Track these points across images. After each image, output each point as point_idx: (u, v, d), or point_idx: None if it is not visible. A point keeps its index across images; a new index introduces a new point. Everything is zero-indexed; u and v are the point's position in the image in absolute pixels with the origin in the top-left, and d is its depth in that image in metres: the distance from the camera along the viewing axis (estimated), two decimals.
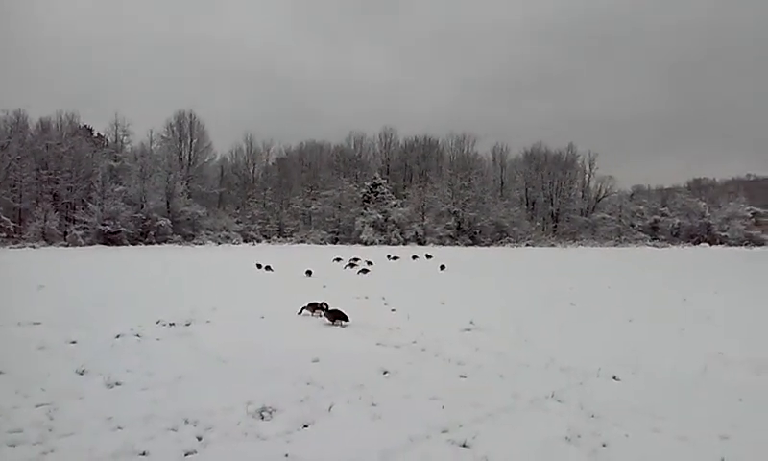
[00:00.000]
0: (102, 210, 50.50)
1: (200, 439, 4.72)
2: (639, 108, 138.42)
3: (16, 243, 46.11)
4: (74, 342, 8.42)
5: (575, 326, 10.47)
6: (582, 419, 5.31)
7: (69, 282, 17.67)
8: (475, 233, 63.65)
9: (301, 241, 60.61)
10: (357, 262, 26.50)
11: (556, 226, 70.63)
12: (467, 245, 60.29)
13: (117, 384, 6.25)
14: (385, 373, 6.87)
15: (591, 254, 46.02)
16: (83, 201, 53.42)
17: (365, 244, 57.55)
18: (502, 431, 4.98)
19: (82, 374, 6.66)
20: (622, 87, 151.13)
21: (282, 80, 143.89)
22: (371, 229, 60.50)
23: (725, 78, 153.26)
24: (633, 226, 69.22)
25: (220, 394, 5.87)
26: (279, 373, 6.74)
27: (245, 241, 58.86)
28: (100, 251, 41.96)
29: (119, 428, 4.92)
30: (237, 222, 62.39)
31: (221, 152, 73.24)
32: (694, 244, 63.75)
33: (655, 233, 68.87)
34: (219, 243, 56.01)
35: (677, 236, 68.14)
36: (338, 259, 30.28)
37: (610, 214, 69.87)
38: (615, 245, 63.13)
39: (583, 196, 74.63)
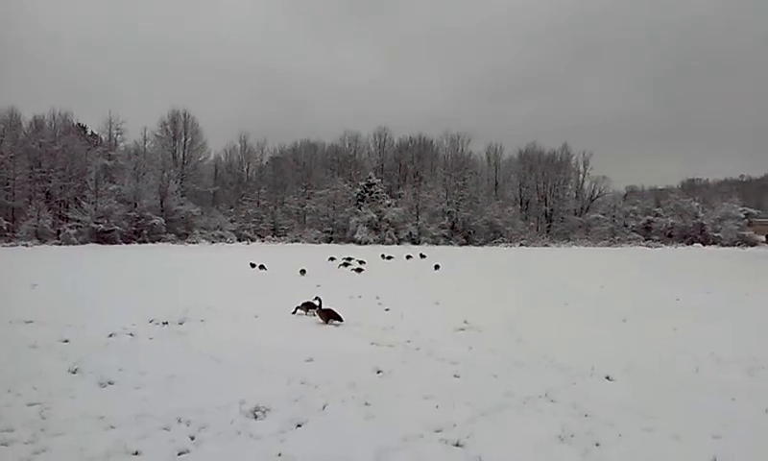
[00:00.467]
0: (95, 209, 50.23)
1: (193, 438, 4.70)
2: (633, 108, 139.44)
3: (9, 242, 45.79)
4: (66, 341, 8.37)
5: (568, 325, 10.51)
6: (575, 418, 5.32)
7: (62, 281, 17.56)
8: (469, 233, 63.76)
9: (296, 240, 60.45)
10: (351, 261, 26.51)
11: (550, 226, 70.75)
12: (461, 245, 60.33)
13: (110, 383, 6.22)
14: (379, 372, 6.86)
15: (585, 253, 46.16)
16: (76, 199, 53.02)
17: (359, 243, 57.37)
18: (496, 431, 4.98)
19: (74, 372, 6.63)
20: (616, 88, 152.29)
21: (277, 79, 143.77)
22: (365, 228, 60.39)
23: (719, 79, 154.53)
24: (626, 226, 69.41)
25: (213, 393, 5.85)
26: (273, 372, 6.72)
27: (239, 240, 58.61)
28: (93, 249, 41.65)
29: (112, 427, 4.89)
30: (231, 221, 62.11)
31: (215, 151, 73.01)
32: (687, 244, 63.97)
33: (648, 234, 69.05)
34: (213, 242, 55.67)
35: (670, 237, 68.37)
36: (332, 259, 30.27)
37: (603, 214, 70.01)
38: (609, 245, 63.24)
39: (577, 196, 74.79)
